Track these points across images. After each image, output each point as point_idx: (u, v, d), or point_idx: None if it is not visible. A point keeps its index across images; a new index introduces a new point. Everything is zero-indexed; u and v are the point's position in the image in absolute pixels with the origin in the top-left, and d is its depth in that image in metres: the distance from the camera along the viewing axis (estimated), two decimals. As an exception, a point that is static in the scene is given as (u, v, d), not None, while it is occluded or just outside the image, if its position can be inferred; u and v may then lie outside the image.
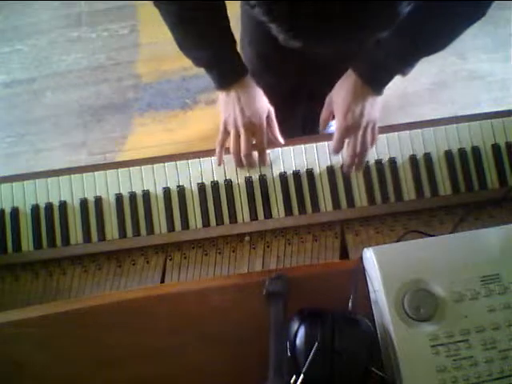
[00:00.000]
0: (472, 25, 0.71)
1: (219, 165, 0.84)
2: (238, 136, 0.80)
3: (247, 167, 0.83)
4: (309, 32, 0.54)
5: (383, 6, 0.51)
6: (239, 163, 0.83)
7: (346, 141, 0.81)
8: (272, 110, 0.83)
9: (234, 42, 0.79)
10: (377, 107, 0.80)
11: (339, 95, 0.80)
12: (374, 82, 0.78)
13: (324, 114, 0.84)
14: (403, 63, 0.76)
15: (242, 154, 0.80)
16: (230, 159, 0.84)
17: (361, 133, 0.79)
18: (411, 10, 0.66)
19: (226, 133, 0.82)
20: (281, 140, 0.84)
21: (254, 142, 0.82)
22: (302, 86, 0.96)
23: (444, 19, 0.69)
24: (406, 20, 0.68)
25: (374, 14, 0.52)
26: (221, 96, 0.81)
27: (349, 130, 0.79)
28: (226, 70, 0.78)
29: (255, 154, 0.83)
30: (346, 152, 0.82)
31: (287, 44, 0.58)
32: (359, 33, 0.56)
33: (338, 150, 0.82)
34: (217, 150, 0.83)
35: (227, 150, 0.83)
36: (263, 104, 0.81)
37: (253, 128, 0.79)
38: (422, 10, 0.66)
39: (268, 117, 0.82)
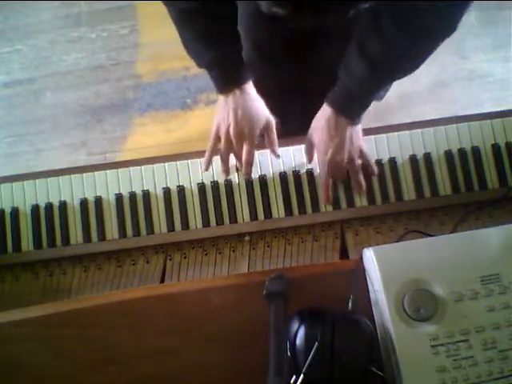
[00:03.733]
0: (442, 41, 0.69)
1: (205, 170, 0.83)
2: (228, 143, 0.80)
3: (240, 173, 0.82)
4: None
5: None
6: (226, 171, 0.82)
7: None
8: (273, 121, 0.82)
9: (240, 46, 0.78)
10: (357, 137, 0.80)
11: (317, 132, 0.80)
12: (347, 111, 0.77)
13: (306, 148, 0.84)
14: (374, 89, 0.76)
15: (230, 163, 0.80)
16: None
17: (345, 165, 0.80)
18: (377, 34, 0.67)
19: (217, 138, 0.81)
20: (277, 153, 0.83)
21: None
22: (298, 78, 0.96)
23: (411, 39, 0.68)
24: (373, 45, 0.68)
25: None
26: (219, 100, 0.80)
27: (332, 168, 0.80)
28: (227, 74, 0.78)
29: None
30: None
31: (270, 11, 0.57)
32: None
33: (327, 189, 0.81)
34: (206, 154, 0.82)
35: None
36: (260, 115, 0.80)
37: (243, 138, 0.79)
38: (388, 32, 0.66)
39: (267, 128, 0.81)
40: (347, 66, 0.74)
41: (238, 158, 0.81)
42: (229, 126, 0.79)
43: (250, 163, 0.80)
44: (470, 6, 0.65)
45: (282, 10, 0.57)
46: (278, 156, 0.83)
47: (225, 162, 0.81)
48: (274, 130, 0.83)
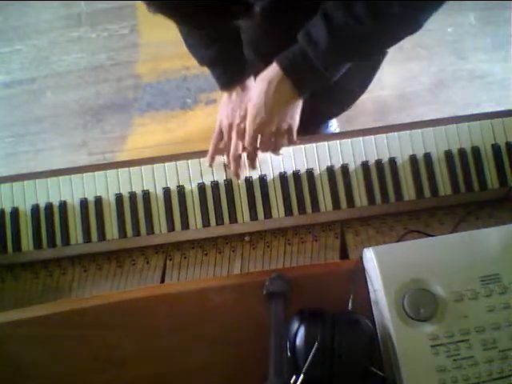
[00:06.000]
0: (405, 35, 0.67)
1: (209, 166, 0.83)
2: (230, 139, 0.80)
3: (234, 171, 0.82)
4: None
5: None
6: (229, 165, 0.82)
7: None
8: None
9: (241, 42, 0.78)
10: (292, 111, 0.74)
11: (255, 90, 0.74)
12: (296, 76, 0.70)
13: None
14: (329, 61, 0.69)
15: (229, 156, 0.80)
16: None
17: (268, 138, 0.75)
18: (345, 7, 0.64)
19: (221, 134, 0.82)
20: (256, 160, 0.82)
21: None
22: None
23: (376, 23, 0.65)
24: (338, 17, 0.65)
25: None
26: (223, 96, 0.81)
27: (261, 126, 0.74)
28: (229, 70, 0.78)
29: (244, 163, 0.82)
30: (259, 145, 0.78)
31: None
32: None
33: (251, 146, 0.77)
34: (210, 149, 0.83)
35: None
36: None
37: (244, 134, 0.79)
38: (356, 9, 0.63)
39: None
40: (308, 29, 0.68)
41: (234, 152, 0.80)
42: (231, 123, 0.79)
43: (253, 158, 0.81)
44: (439, 7, 0.64)
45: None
46: (279, 154, 0.82)
47: (226, 156, 0.81)
48: None
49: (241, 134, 0.79)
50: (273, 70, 0.70)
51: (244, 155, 0.82)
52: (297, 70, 0.69)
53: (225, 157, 0.83)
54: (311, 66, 0.68)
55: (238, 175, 0.82)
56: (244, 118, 0.78)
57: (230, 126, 0.80)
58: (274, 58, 0.89)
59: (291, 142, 0.78)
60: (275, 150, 0.79)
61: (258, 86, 0.73)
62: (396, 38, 0.69)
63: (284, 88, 0.70)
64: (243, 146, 0.80)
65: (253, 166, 0.82)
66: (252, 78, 0.81)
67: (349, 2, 0.65)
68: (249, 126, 0.75)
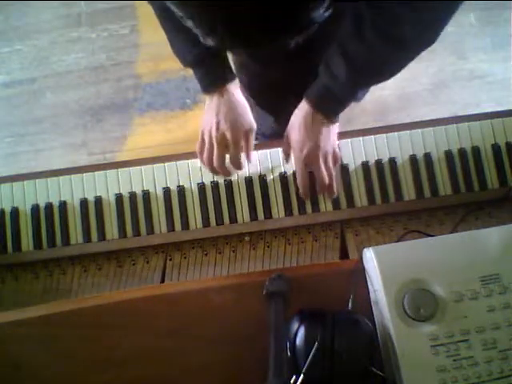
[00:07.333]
0: (422, 51, 0.69)
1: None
2: (212, 147, 0.80)
3: (221, 175, 0.83)
4: (222, 32, 0.50)
5: (293, 11, 0.47)
6: (212, 171, 0.82)
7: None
8: (254, 127, 0.81)
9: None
10: (332, 135, 0.79)
11: (294, 129, 0.79)
12: (325, 108, 0.77)
13: (284, 148, 0.83)
14: (353, 90, 0.76)
15: (214, 165, 0.80)
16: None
17: (322, 164, 0.79)
18: (359, 39, 0.67)
19: (203, 141, 0.81)
20: (251, 159, 0.82)
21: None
22: (289, 78, 0.95)
23: (391, 48, 0.68)
24: (354, 48, 0.68)
25: (284, 19, 0.48)
26: (206, 102, 0.80)
27: (307, 164, 0.79)
28: (212, 71, 0.77)
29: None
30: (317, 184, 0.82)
31: (204, 41, 0.56)
32: (269, 36, 0.51)
33: (305, 186, 0.81)
34: (199, 157, 0.82)
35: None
36: (243, 119, 0.79)
37: (226, 142, 0.79)
38: (369, 38, 0.66)
39: (246, 133, 0.80)
40: (327, 65, 0.73)
41: (218, 162, 0.80)
42: (211, 131, 0.79)
43: (238, 163, 0.80)
44: (449, 19, 0.65)
45: (216, 43, 0.56)
46: (250, 161, 0.82)
47: (209, 164, 0.81)
48: (253, 137, 0.82)
49: (223, 143, 0.78)
50: (303, 107, 0.77)
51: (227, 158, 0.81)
52: (323, 104, 0.76)
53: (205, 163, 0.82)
54: (335, 98, 0.75)
55: (228, 175, 0.82)
56: (225, 126, 0.78)
57: (211, 133, 0.79)
58: (265, 58, 0.88)
59: (337, 160, 0.82)
60: (330, 174, 0.80)
61: (296, 123, 0.78)
62: (414, 54, 0.70)
63: (317, 119, 0.77)
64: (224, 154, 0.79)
65: (239, 167, 0.81)
66: (237, 84, 0.79)
67: (360, 32, 0.67)
68: (297, 159, 0.80)
